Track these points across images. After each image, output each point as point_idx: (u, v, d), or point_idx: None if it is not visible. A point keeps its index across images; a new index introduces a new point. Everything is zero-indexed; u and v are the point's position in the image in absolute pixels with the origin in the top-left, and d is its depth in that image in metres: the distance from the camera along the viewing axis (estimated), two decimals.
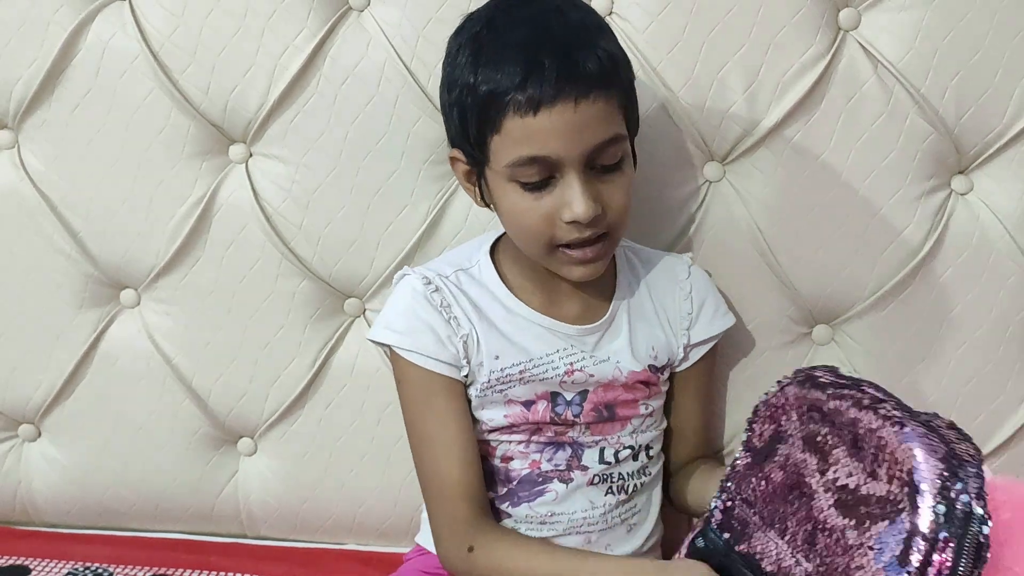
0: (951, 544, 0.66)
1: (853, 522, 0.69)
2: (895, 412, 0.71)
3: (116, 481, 1.20)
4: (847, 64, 1.05)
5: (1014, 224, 1.07)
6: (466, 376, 0.95)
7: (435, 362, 0.94)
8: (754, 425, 0.85)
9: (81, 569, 1.13)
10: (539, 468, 0.97)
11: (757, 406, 0.85)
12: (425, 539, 1.02)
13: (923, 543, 0.66)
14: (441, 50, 1.05)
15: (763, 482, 0.80)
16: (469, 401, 0.96)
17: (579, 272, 0.92)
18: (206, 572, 1.13)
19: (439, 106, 1.06)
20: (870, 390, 0.75)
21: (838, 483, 0.72)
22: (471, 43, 0.88)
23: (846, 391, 0.75)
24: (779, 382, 0.84)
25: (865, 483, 0.70)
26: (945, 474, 0.67)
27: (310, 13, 1.07)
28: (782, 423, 0.81)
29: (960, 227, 1.08)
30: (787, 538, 0.75)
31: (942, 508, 0.66)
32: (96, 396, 1.18)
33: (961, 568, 0.65)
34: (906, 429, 0.69)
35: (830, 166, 1.07)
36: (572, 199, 0.86)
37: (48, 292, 1.16)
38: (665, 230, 1.10)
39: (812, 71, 1.05)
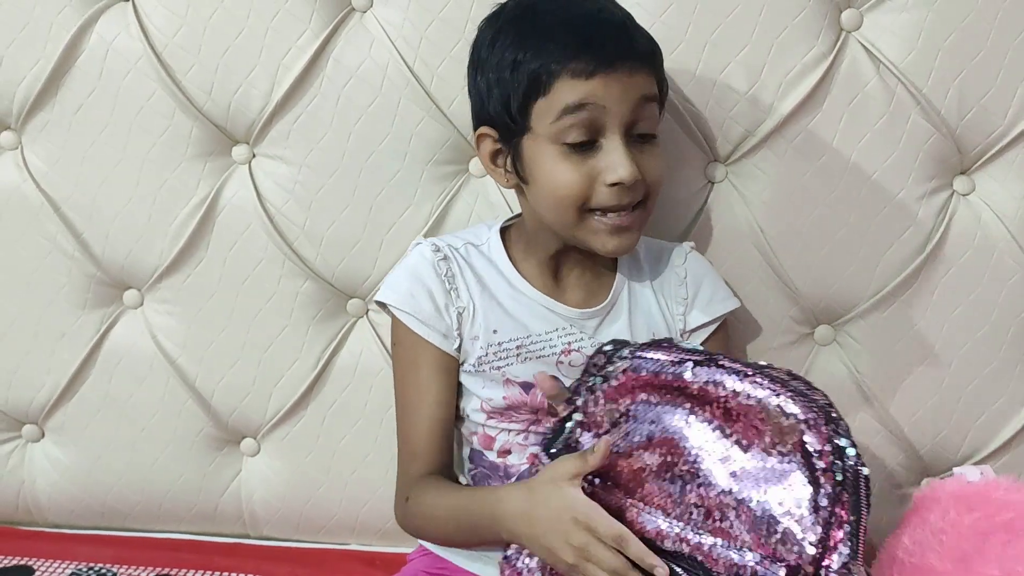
0: (847, 486, 0.71)
1: (754, 489, 0.72)
2: (760, 378, 0.74)
3: (119, 481, 1.20)
4: (849, 65, 1.06)
5: (1016, 225, 1.08)
6: (457, 350, 0.97)
7: (428, 329, 0.96)
8: (589, 403, 0.83)
9: (85, 569, 1.13)
10: (537, 462, 0.97)
11: (591, 384, 0.83)
12: None
13: (826, 491, 0.70)
14: (443, 51, 1.07)
15: (627, 461, 0.79)
16: (460, 384, 0.98)
17: (613, 243, 0.93)
18: (209, 572, 1.13)
19: (443, 108, 1.08)
20: (725, 361, 0.77)
21: (726, 456, 0.74)
22: (513, 26, 0.92)
23: (704, 365, 0.77)
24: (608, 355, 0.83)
25: (753, 449, 0.73)
26: (823, 426, 0.71)
27: (313, 14, 1.07)
28: (634, 400, 0.80)
29: (962, 228, 1.08)
30: (675, 515, 0.77)
31: (831, 456, 0.71)
32: (99, 397, 1.18)
33: (860, 503, 0.71)
34: (780, 392, 0.72)
35: (832, 167, 1.07)
36: (617, 162, 0.89)
37: (51, 293, 1.16)
38: (668, 230, 1.10)
39: (814, 72, 1.05)
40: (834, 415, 0.73)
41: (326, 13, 1.08)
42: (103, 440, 1.19)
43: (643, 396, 0.80)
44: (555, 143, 0.90)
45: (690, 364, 0.78)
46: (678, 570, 0.76)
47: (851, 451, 0.72)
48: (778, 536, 0.72)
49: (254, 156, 1.12)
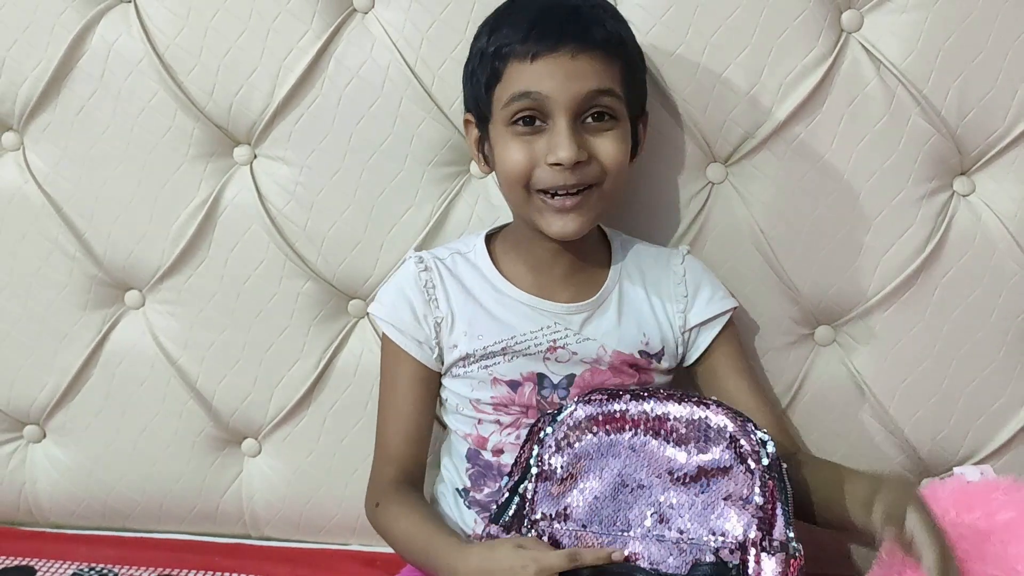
0: (772, 470, 0.85)
1: (697, 489, 0.86)
2: (686, 400, 0.88)
3: (120, 482, 1.20)
4: (850, 66, 1.06)
5: (1016, 225, 1.08)
6: (439, 360, 1.00)
7: (405, 338, 1.00)
8: (544, 454, 0.90)
9: (86, 569, 1.13)
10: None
11: (541, 436, 0.90)
12: None
13: (759, 478, 0.84)
14: (444, 52, 1.07)
15: (578, 495, 0.88)
16: (447, 390, 1.02)
17: (558, 224, 0.94)
18: (210, 572, 1.13)
19: (444, 109, 1.08)
20: (644, 393, 0.89)
21: (670, 467, 0.87)
22: (492, 18, 0.97)
23: (628, 398, 0.89)
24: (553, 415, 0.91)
25: (690, 457, 0.86)
26: (747, 424, 0.86)
27: (314, 16, 1.08)
28: (576, 441, 0.89)
29: (962, 228, 1.09)
30: (632, 532, 0.87)
31: (757, 447, 0.85)
32: (101, 397, 1.19)
33: (784, 483, 0.86)
34: (703, 406, 0.87)
35: (832, 168, 1.07)
36: (558, 143, 0.91)
37: (53, 293, 1.16)
38: (668, 231, 1.11)
39: (815, 73, 1.05)
40: (746, 417, 0.88)
41: (327, 14, 1.08)
42: (104, 440, 1.20)
43: (589, 435, 0.89)
44: (507, 126, 0.93)
45: (627, 397, 0.89)
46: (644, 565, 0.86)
47: (770, 444, 0.85)
48: (725, 518, 0.85)
49: (255, 157, 1.13)
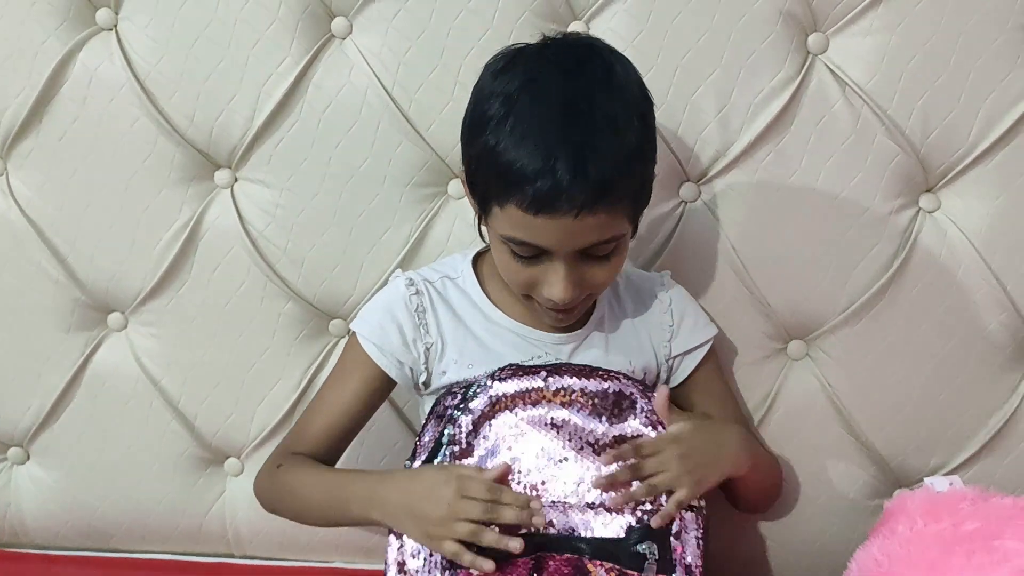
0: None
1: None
2: (591, 370, 0.96)
3: (104, 503, 1.21)
4: (816, 87, 1.08)
5: (981, 241, 1.10)
6: (425, 384, 1.00)
7: (388, 360, 0.99)
8: (457, 433, 0.93)
9: None
10: None
11: (453, 415, 0.94)
12: None
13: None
14: (421, 76, 1.09)
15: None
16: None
17: (552, 321, 0.97)
18: None
19: (421, 132, 1.10)
20: (560, 369, 0.96)
21: (589, 438, 0.92)
22: (505, 102, 0.87)
23: (544, 374, 0.95)
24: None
25: (608, 427, 0.93)
26: (649, 396, 0.96)
27: (293, 42, 1.09)
28: (492, 418, 0.93)
29: (928, 244, 1.11)
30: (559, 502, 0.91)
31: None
32: (84, 419, 1.20)
33: None
34: (613, 379, 0.95)
35: (801, 186, 1.10)
36: (554, 284, 0.90)
37: (36, 316, 1.17)
38: (643, 249, 1.13)
39: (782, 94, 1.08)
40: (648, 386, 0.98)
41: (306, 40, 1.10)
42: (88, 462, 1.21)
43: (507, 413, 0.93)
44: (505, 244, 0.91)
45: (543, 374, 0.94)
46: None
47: None
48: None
49: (236, 180, 1.14)
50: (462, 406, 0.93)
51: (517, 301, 0.99)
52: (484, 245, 1.04)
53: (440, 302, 1.01)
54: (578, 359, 1.00)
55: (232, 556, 1.23)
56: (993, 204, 1.10)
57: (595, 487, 0.90)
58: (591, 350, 1.01)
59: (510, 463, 0.90)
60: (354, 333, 1.01)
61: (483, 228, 0.96)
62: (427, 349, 0.99)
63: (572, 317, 0.98)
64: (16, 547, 1.24)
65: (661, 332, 1.04)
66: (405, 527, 0.90)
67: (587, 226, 0.86)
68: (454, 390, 0.97)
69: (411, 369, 1.00)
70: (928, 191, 1.12)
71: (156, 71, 1.11)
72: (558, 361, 0.98)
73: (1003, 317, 1.11)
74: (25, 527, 1.23)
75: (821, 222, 1.10)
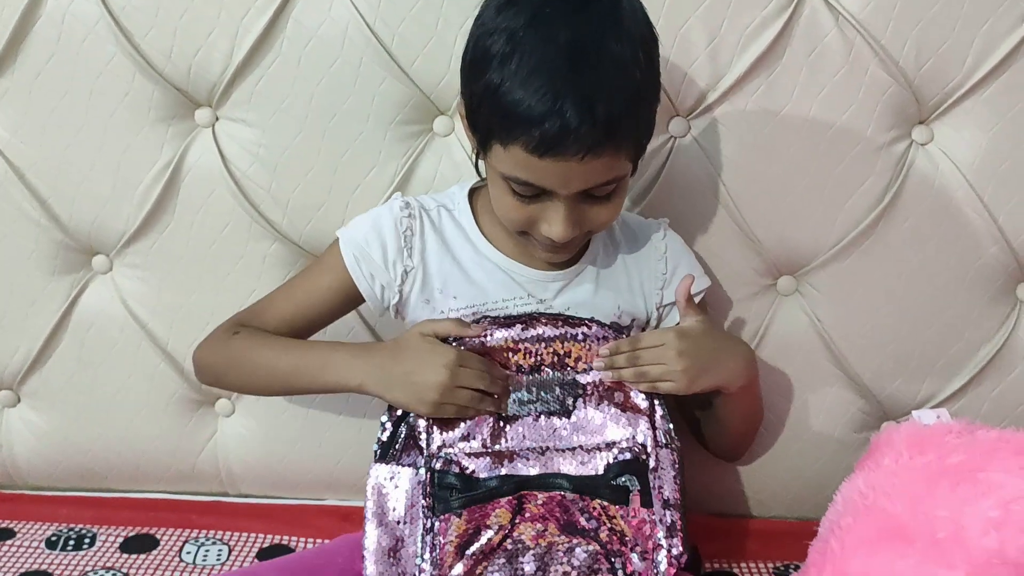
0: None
1: (595, 401, 0.95)
2: (563, 318, 0.98)
3: (97, 444, 1.22)
4: (808, 17, 1.06)
5: (973, 173, 1.09)
6: (397, 307, 1.01)
7: (360, 272, 0.99)
8: None
9: (65, 530, 1.15)
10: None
11: None
12: None
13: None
14: (403, 10, 1.06)
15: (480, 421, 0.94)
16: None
17: (546, 257, 0.97)
18: (188, 530, 1.16)
19: (405, 68, 1.07)
20: (537, 318, 0.97)
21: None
22: (509, 39, 0.84)
23: (520, 328, 0.96)
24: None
25: (585, 375, 0.95)
26: (617, 336, 0.98)
27: None
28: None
29: (920, 177, 1.10)
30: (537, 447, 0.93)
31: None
32: (73, 361, 1.19)
33: None
34: (584, 326, 0.97)
35: (792, 119, 1.08)
36: (554, 223, 0.90)
37: (20, 259, 1.16)
38: (631, 186, 1.11)
39: (773, 25, 1.05)
40: (619, 328, 0.99)
41: None
42: (79, 404, 1.21)
43: None
44: (504, 181, 0.90)
45: (518, 327, 0.95)
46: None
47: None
48: (617, 424, 0.93)
49: (217, 119, 1.12)
50: None
51: (509, 237, 0.99)
52: (480, 179, 1.03)
53: (431, 231, 1.00)
54: (567, 296, 1.00)
55: (226, 495, 1.24)
56: (986, 136, 1.08)
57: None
58: (579, 290, 1.00)
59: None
60: (336, 240, 1.01)
61: (480, 164, 0.95)
62: (405, 272, 0.99)
63: (567, 253, 0.97)
64: (10, 488, 1.25)
65: (654, 280, 1.03)
66: (394, 393, 0.92)
67: (592, 168, 0.85)
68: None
69: (383, 288, 1.00)
70: (921, 123, 1.10)
71: (131, 6, 1.08)
72: (535, 311, 0.98)
73: (994, 250, 1.11)
74: (19, 469, 1.24)
75: (812, 156, 1.09)
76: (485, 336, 0.95)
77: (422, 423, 0.93)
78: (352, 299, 1.02)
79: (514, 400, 0.94)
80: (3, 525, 1.16)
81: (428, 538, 0.88)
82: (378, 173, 1.11)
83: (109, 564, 1.09)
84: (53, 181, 1.14)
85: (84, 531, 1.15)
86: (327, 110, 1.09)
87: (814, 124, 1.08)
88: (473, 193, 1.03)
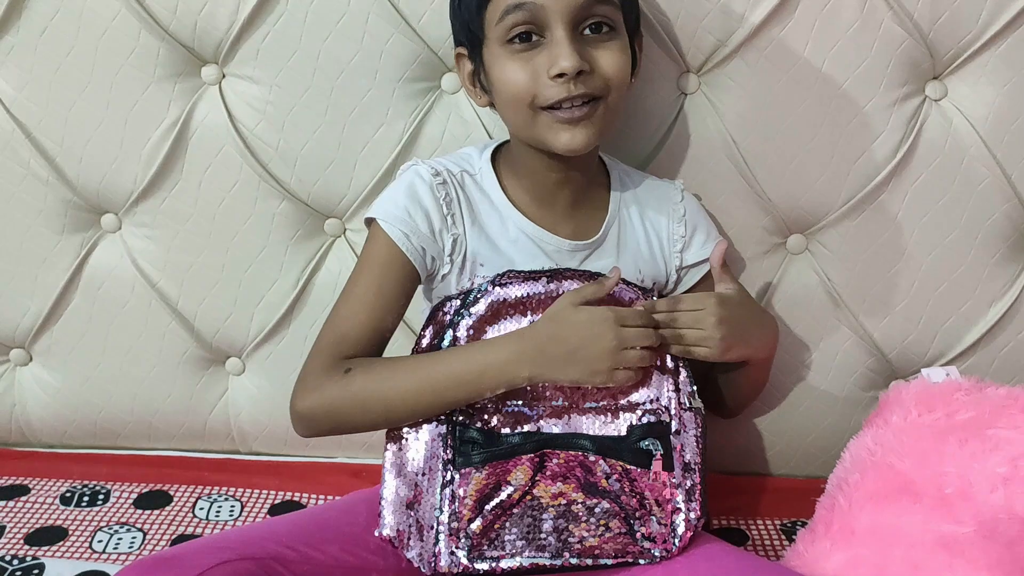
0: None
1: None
2: (589, 273, 0.96)
3: (109, 402, 1.23)
4: None
5: (986, 129, 1.08)
6: (446, 273, 0.97)
7: (413, 249, 0.94)
8: (460, 337, 0.93)
9: (79, 486, 1.16)
10: None
11: (453, 319, 0.94)
12: None
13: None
14: None
15: None
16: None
17: (566, 137, 0.91)
18: (200, 487, 1.17)
19: (412, 24, 1.06)
20: (563, 272, 0.95)
21: None
22: None
23: (545, 280, 0.94)
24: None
25: None
26: (646, 296, 0.97)
27: None
28: (496, 322, 0.93)
29: (933, 134, 1.09)
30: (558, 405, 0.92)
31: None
32: (84, 320, 1.20)
33: None
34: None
35: (804, 75, 1.07)
36: (558, 53, 0.88)
37: (29, 218, 1.16)
38: (642, 142, 1.11)
39: None
40: (646, 289, 0.99)
41: None
42: (90, 362, 1.21)
43: (507, 320, 0.92)
44: (503, 45, 0.90)
45: (544, 280, 0.93)
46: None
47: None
48: (643, 384, 0.92)
49: (224, 76, 1.11)
50: (463, 311, 0.93)
51: (533, 201, 0.98)
52: (498, 141, 1.02)
53: (462, 196, 0.98)
54: (590, 266, 0.99)
55: (238, 452, 1.26)
56: (1000, 91, 1.07)
57: None
58: (600, 259, 0.99)
59: None
60: (376, 223, 0.95)
61: (486, 83, 0.94)
62: (454, 241, 0.96)
63: (584, 131, 0.91)
64: (24, 446, 1.26)
65: (672, 243, 1.03)
66: (568, 373, 0.88)
67: None
68: (451, 297, 0.96)
69: (433, 259, 0.96)
70: (935, 78, 1.09)
71: None
72: (556, 268, 0.96)
73: (1006, 207, 1.10)
74: (32, 427, 1.25)
75: (824, 113, 1.08)
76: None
77: None
78: (414, 278, 0.96)
79: None
80: (19, 482, 1.18)
81: (447, 491, 0.88)
82: (386, 131, 1.10)
83: (124, 520, 1.10)
84: (60, 139, 1.13)
85: (98, 487, 1.16)
86: (334, 67, 1.08)
87: (826, 80, 1.07)
88: (495, 158, 1.01)
